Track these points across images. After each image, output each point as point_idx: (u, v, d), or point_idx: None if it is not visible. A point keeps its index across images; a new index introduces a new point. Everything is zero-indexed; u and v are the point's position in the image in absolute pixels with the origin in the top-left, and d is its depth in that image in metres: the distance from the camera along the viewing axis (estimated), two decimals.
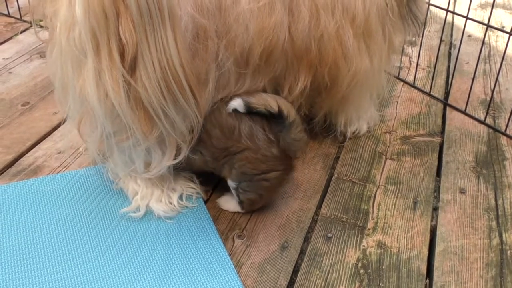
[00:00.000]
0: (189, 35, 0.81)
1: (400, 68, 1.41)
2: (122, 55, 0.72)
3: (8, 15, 1.70)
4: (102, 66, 0.73)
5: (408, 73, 1.41)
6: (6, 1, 1.72)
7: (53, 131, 1.15)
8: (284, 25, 0.88)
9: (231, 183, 0.89)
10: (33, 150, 1.09)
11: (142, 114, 0.77)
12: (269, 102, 0.84)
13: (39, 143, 1.12)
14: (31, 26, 1.64)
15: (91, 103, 0.76)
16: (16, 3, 1.70)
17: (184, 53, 0.76)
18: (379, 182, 1.02)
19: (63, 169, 1.04)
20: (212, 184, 1.00)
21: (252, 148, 0.85)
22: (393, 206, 0.97)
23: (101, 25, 0.70)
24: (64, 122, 1.12)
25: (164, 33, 0.73)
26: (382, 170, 1.06)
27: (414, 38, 1.54)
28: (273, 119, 0.85)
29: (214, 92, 0.88)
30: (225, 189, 0.98)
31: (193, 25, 0.81)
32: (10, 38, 1.57)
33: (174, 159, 0.86)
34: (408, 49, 1.53)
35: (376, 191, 1.00)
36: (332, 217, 0.94)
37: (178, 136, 0.82)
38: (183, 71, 0.76)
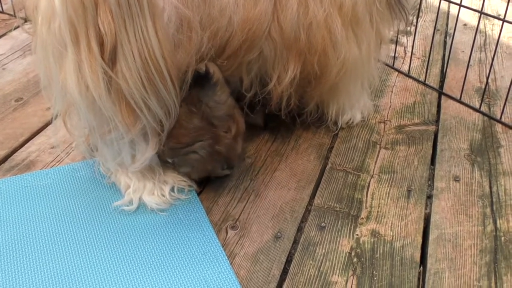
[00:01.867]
0: (172, 26, 0.81)
1: (394, 57, 1.40)
2: (101, 46, 0.72)
3: (2, 12, 1.70)
4: (81, 57, 0.72)
5: (403, 63, 1.41)
6: None
7: (46, 127, 1.15)
8: (269, 14, 0.87)
9: (168, 161, 0.90)
10: (26, 145, 1.09)
11: (124, 107, 0.77)
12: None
13: (32, 138, 1.11)
14: (24, 22, 1.63)
15: (72, 96, 0.76)
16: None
17: (165, 44, 0.76)
18: (373, 171, 1.02)
19: (57, 164, 1.04)
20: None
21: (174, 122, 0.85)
22: (387, 195, 0.96)
23: (79, 15, 0.69)
24: (56, 117, 1.12)
25: (144, 24, 0.73)
26: (376, 160, 1.05)
27: (408, 28, 1.54)
28: (199, 82, 0.84)
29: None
30: (219, 181, 0.98)
31: (177, 16, 0.81)
32: (4, 34, 1.56)
33: (157, 149, 0.86)
34: (403, 39, 1.53)
35: (370, 180, 1.00)
36: (325, 207, 0.94)
37: (159, 126, 0.81)
38: (165, 62, 0.76)
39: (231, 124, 0.89)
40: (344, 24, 0.93)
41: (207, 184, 0.98)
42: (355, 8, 0.93)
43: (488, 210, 0.93)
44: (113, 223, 0.89)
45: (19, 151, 1.08)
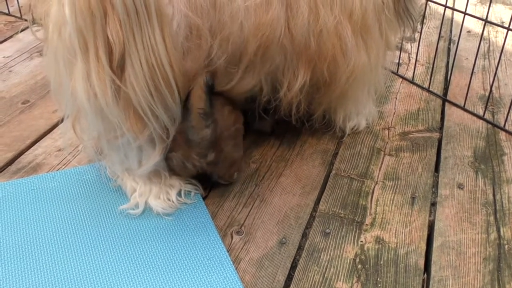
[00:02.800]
0: (181, 33, 0.81)
1: (399, 64, 1.41)
2: (110, 54, 0.73)
3: (9, 14, 1.71)
4: (90, 66, 0.73)
5: (407, 69, 1.41)
6: (6, 0, 1.72)
7: (53, 129, 1.16)
8: (281, 20, 0.88)
9: None
10: (33, 148, 1.10)
11: (132, 114, 0.78)
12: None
13: (39, 141, 1.12)
14: (32, 24, 1.64)
15: (81, 103, 0.76)
16: (16, 2, 1.71)
17: (173, 52, 0.76)
18: (378, 178, 1.03)
19: (63, 167, 1.04)
20: (210, 180, 1.01)
21: None
22: (391, 202, 0.97)
23: (88, 24, 0.70)
24: (63, 120, 1.13)
25: (152, 32, 0.74)
26: (381, 166, 1.06)
27: (413, 35, 1.54)
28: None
29: None
30: (225, 186, 0.99)
31: (186, 23, 0.81)
32: (11, 36, 1.57)
33: (164, 154, 0.86)
34: (407, 45, 1.53)
35: (374, 186, 1.01)
36: (330, 213, 0.94)
37: (165, 134, 0.82)
38: (172, 70, 0.77)
39: (209, 151, 0.88)
40: (354, 32, 0.93)
41: (212, 188, 0.99)
42: (365, 16, 0.93)
43: (491, 218, 0.94)
44: (118, 227, 0.89)
45: (25, 153, 1.08)
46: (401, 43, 1.49)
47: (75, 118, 0.85)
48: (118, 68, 0.74)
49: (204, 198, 0.96)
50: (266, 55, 0.89)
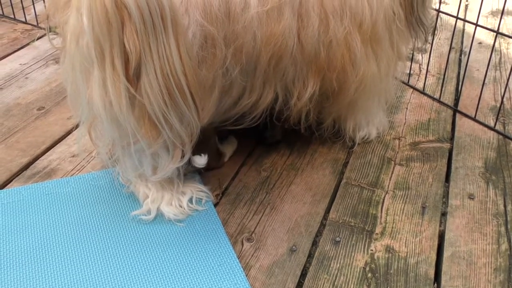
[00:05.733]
0: (196, 42, 0.83)
1: (410, 74, 1.42)
2: (126, 63, 0.74)
3: (25, 22, 1.74)
4: (106, 74, 0.74)
5: (418, 80, 1.42)
6: (23, 8, 1.76)
7: (67, 135, 1.18)
8: (293, 30, 0.89)
9: None
10: (47, 153, 1.12)
11: (146, 121, 0.79)
12: None
13: (53, 146, 1.14)
14: (49, 32, 1.68)
15: (97, 110, 0.78)
16: (33, 10, 1.75)
17: (187, 60, 0.78)
18: (388, 187, 1.03)
19: (77, 172, 1.06)
20: (221, 187, 1.02)
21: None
22: (402, 211, 0.97)
23: (105, 33, 0.71)
24: (77, 127, 1.15)
25: (167, 41, 0.75)
26: (391, 176, 1.06)
27: (424, 45, 1.55)
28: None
29: (220, 100, 0.90)
30: (236, 193, 1.00)
31: (201, 32, 0.83)
32: (27, 44, 1.60)
33: (179, 162, 0.88)
34: (418, 56, 1.54)
35: (385, 196, 1.01)
36: (340, 222, 0.95)
37: (178, 141, 0.83)
38: (185, 79, 0.78)
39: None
40: (364, 42, 0.94)
41: (223, 195, 1.00)
42: (375, 27, 0.94)
43: (502, 228, 0.94)
44: (130, 232, 0.91)
45: (40, 159, 1.10)
46: (412, 54, 1.49)
47: (91, 125, 0.87)
48: (134, 76, 0.76)
49: (215, 205, 0.97)
50: (279, 65, 0.90)
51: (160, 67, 0.75)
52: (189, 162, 0.93)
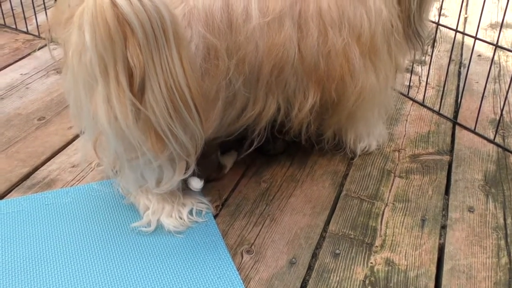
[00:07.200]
0: (199, 54, 0.83)
1: (409, 86, 1.42)
2: (130, 78, 0.74)
3: (27, 32, 1.75)
4: (110, 90, 0.75)
5: (417, 92, 1.42)
6: (25, 19, 1.77)
7: (67, 145, 1.18)
8: (294, 40, 0.90)
9: None
10: (47, 163, 1.12)
11: (152, 135, 0.79)
12: None
13: (53, 157, 1.14)
14: (50, 42, 1.69)
15: (102, 126, 0.78)
16: (34, 20, 1.76)
17: (190, 73, 0.78)
18: (388, 200, 1.03)
19: (77, 183, 1.06)
20: (221, 199, 1.02)
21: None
22: (401, 224, 0.97)
23: (108, 49, 0.72)
24: (78, 137, 1.15)
25: (170, 55, 0.75)
26: (391, 188, 1.06)
27: (423, 57, 1.56)
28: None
29: (224, 111, 0.90)
30: (235, 205, 1.00)
31: (204, 44, 0.83)
32: (28, 54, 1.61)
33: (184, 174, 0.88)
34: (418, 68, 1.55)
35: (385, 208, 1.01)
36: (340, 234, 0.95)
37: (184, 153, 0.83)
38: (189, 91, 0.78)
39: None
40: (362, 54, 0.95)
41: (223, 207, 1.00)
42: (373, 38, 0.95)
43: (502, 242, 0.93)
44: (130, 243, 0.90)
45: (40, 169, 1.10)
46: (412, 66, 1.50)
47: (96, 140, 0.87)
48: (139, 91, 0.76)
49: (215, 217, 0.97)
50: (281, 75, 0.91)
51: (164, 80, 0.76)
52: (185, 182, 0.93)
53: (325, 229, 0.96)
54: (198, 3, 0.85)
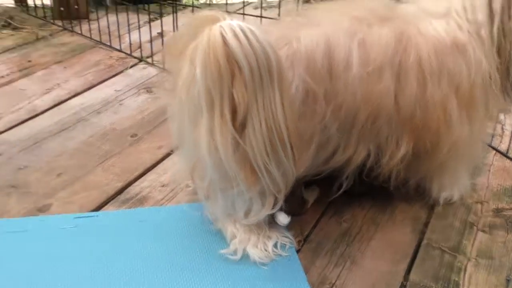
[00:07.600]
0: (299, 97, 0.87)
1: (492, 135, 1.40)
2: (234, 113, 0.79)
3: (120, 50, 1.87)
4: (214, 122, 0.80)
5: (501, 142, 1.40)
6: (119, 37, 1.89)
7: (157, 164, 1.25)
8: (391, 91, 0.92)
9: None
10: (139, 180, 1.19)
11: (247, 168, 0.83)
12: None
13: (145, 174, 1.22)
14: (139, 61, 1.79)
15: (202, 154, 0.83)
16: (127, 39, 1.87)
17: (289, 113, 0.82)
18: (470, 254, 1.02)
19: (166, 202, 1.12)
20: (303, 234, 1.05)
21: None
22: (485, 281, 0.96)
23: (216, 85, 0.77)
24: (167, 157, 1.22)
25: (273, 94, 0.79)
26: (473, 242, 1.05)
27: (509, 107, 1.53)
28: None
29: (316, 153, 0.93)
30: (317, 242, 1.02)
31: (303, 87, 0.87)
32: (121, 71, 1.72)
33: (272, 209, 0.92)
34: (501, 116, 1.52)
35: (467, 263, 1.00)
36: (421, 285, 0.95)
37: (275, 188, 0.87)
38: (287, 131, 0.81)
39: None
40: (460, 105, 0.95)
41: (305, 242, 1.03)
42: (472, 90, 0.95)
43: None
44: (214, 269, 0.94)
45: (133, 185, 1.18)
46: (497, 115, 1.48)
47: (194, 166, 0.92)
48: (240, 126, 0.81)
49: (297, 252, 1.00)
50: (375, 123, 0.93)
51: (264, 118, 0.80)
52: (272, 216, 0.97)
53: (405, 278, 0.96)
54: (301, 46, 0.89)
